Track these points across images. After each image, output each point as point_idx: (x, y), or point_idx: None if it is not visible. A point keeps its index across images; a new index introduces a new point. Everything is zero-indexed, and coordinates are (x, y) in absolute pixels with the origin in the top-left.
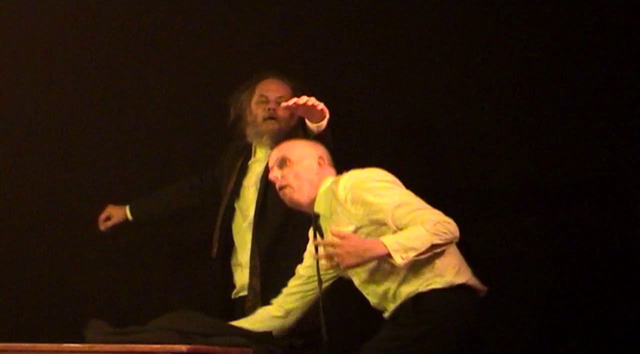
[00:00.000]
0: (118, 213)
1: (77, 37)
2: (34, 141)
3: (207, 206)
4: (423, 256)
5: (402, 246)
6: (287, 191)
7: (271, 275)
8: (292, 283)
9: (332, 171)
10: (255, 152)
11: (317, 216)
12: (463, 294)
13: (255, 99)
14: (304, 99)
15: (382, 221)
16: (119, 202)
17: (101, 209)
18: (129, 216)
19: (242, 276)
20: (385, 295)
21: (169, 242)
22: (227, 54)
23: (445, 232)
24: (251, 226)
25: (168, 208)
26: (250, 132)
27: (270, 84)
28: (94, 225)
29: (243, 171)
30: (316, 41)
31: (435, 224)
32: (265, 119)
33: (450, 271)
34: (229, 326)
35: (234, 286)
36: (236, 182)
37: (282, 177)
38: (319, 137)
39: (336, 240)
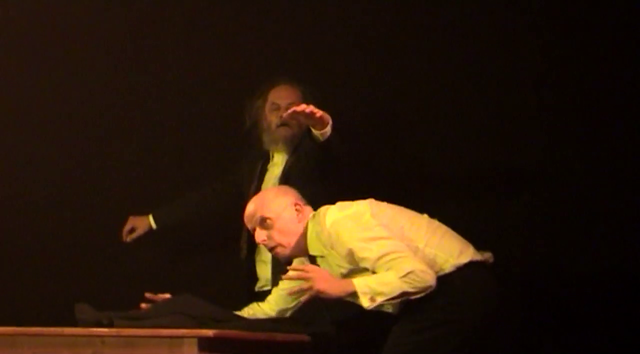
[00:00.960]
0: (142, 224)
1: (97, 47)
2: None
3: (229, 210)
4: (393, 301)
5: (371, 289)
6: (278, 250)
7: None
8: (283, 285)
9: (309, 209)
10: (272, 157)
11: (313, 258)
12: (472, 270)
13: (268, 106)
14: (302, 107)
15: (366, 268)
16: (136, 206)
17: (121, 214)
18: (153, 225)
19: (266, 271)
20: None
21: (197, 236)
22: (245, 60)
23: (418, 281)
24: None
25: (191, 214)
26: (265, 138)
27: (281, 91)
28: (116, 219)
29: (262, 175)
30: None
31: (408, 273)
32: (278, 126)
33: (454, 255)
34: (234, 314)
35: (257, 279)
36: (257, 186)
37: (269, 238)
38: (325, 143)
39: (309, 267)
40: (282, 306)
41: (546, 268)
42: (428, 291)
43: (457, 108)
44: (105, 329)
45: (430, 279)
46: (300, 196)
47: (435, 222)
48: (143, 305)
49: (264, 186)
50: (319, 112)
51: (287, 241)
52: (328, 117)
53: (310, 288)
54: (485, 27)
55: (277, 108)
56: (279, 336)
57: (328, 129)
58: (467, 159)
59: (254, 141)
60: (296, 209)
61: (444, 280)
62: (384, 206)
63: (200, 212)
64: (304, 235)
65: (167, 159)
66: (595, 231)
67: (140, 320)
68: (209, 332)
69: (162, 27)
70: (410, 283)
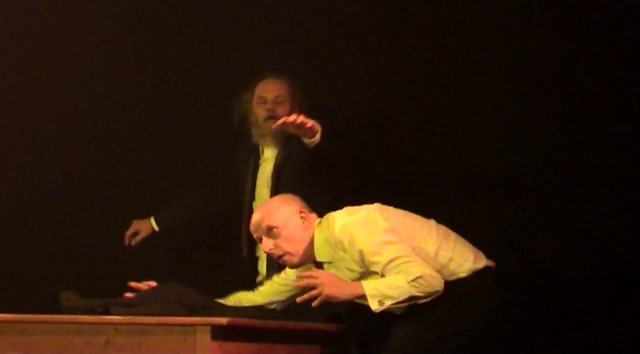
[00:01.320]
0: (145, 227)
1: (95, 50)
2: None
3: (231, 209)
4: (401, 305)
5: (380, 293)
6: (287, 258)
7: None
8: (278, 280)
9: (314, 216)
10: (263, 152)
11: (321, 265)
12: (486, 276)
13: (255, 100)
14: (293, 117)
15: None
16: (138, 204)
17: (123, 210)
18: (156, 228)
19: (262, 267)
20: None
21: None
22: (244, 61)
23: (426, 286)
24: None
25: (193, 215)
26: (254, 133)
27: (268, 84)
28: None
29: (255, 171)
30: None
31: (417, 278)
32: (266, 120)
33: (470, 260)
34: (218, 302)
35: (258, 274)
36: (252, 182)
37: (277, 247)
38: (315, 150)
39: (317, 272)
40: (274, 299)
41: (545, 269)
42: (435, 296)
43: (454, 108)
44: (119, 317)
45: (438, 284)
46: (304, 204)
47: (444, 228)
48: (128, 295)
49: (258, 182)
50: (309, 123)
51: (294, 249)
52: (318, 127)
53: (320, 294)
54: (485, 25)
55: (265, 102)
56: (291, 325)
57: (318, 138)
58: (465, 160)
59: (245, 136)
60: (302, 217)
61: (456, 283)
62: (392, 210)
63: (201, 213)
64: (311, 242)
65: (166, 157)
66: (594, 231)
67: (133, 308)
68: (223, 320)
69: (158, 28)
70: (419, 288)
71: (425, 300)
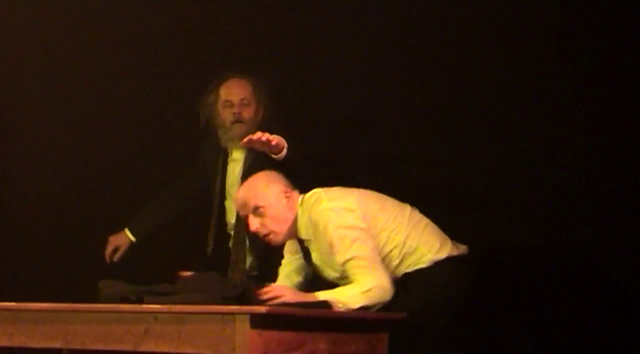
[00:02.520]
0: (122, 240)
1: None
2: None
3: (201, 205)
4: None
5: (335, 300)
6: (272, 237)
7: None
8: (286, 263)
9: (296, 194)
10: (231, 153)
11: (302, 241)
12: (449, 265)
13: (220, 103)
14: (257, 135)
15: None
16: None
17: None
18: (132, 238)
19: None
20: None
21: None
22: (217, 60)
23: (375, 298)
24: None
25: (164, 217)
26: (221, 135)
27: (233, 86)
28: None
29: (224, 171)
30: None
31: (370, 290)
32: (233, 123)
33: (432, 250)
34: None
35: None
36: (221, 181)
37: (263, 225)
38: (283, 162)
39: (277, 288)
40: (295, 279)
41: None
42: (382, 305)
43: (437, 109)
44: (158, 306)
45: (387, 296)
46: (287, 182)
47: (417, 215)
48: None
49: (227, 182)
50: (274, 140)
51: (279, 228)
52: (284, 143)
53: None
54: (471, 25)
55: (230, 105)
56: (331, 313)
57: (284, 153)
58: (450, 164)
59: (210, 137)
60: (286, 196)
61: (416, 274)
62: (370, 198)
63: (172, 214)
64: (294, 220)
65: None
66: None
67: (167, 296)
68: (262, 309)
69: (131, 29)
70: (370, 299)
71: (373, 309)
